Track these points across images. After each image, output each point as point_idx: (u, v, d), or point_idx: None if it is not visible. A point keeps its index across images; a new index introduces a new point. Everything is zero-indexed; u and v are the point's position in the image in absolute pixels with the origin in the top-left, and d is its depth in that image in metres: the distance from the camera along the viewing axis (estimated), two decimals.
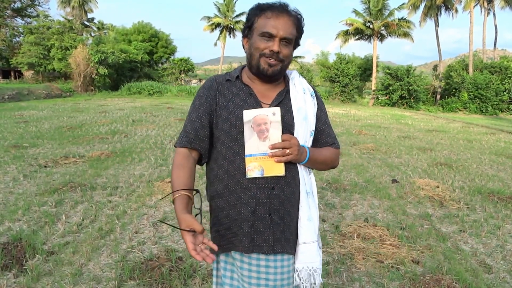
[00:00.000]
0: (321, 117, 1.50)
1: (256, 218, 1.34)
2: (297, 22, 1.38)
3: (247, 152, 1.32)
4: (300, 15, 1.40)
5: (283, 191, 1.35)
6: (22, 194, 4.62)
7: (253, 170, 1.31)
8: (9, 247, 3.13)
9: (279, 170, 1.31)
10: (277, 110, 1.30)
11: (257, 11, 1.37)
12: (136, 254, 3.16)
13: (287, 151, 1.29)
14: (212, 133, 1.42)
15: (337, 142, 1.53)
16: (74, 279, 2.73)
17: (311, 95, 1.47)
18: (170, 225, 1.32)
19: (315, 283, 1.36)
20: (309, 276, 1.35)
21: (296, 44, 1.43)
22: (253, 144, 1.31)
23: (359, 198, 4.92)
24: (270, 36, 1.33)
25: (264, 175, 1.31)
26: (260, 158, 1.31)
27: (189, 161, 1.38)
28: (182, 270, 2.87)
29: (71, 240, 3.38)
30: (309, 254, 1.35)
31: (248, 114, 1.32)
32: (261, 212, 1.34)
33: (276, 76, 1.40)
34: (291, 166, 1.35)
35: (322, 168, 1.49)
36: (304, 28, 1.42)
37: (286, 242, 1.35)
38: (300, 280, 1.35)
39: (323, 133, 1.50)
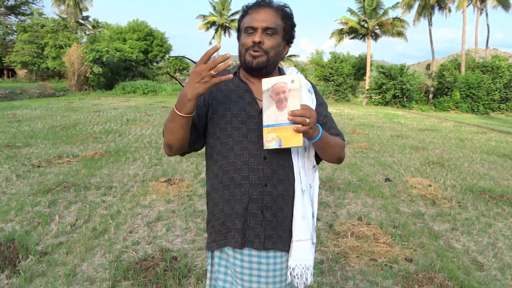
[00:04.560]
0: (321, 111, 1.48)
1: (248, 214, 1.35)
2: (282, 13, 1.37)
3: (265, 122, 1.27)
4: (286, 6, 1.39)
5: (276, 188, 1.36)
6: (15, 194, 4.59)
7: (270, 141, 1.26)
8: (2, 248, 3.11)
9: (297, 141, 1.24)
10: (296, 77, 1.24)
11: (242, 13, 1.41)
12: (131, 254, 3.16)
13: (307, 120, 1.22)
14: (202, 124, 1.41)
15: (342, 134, 1.50)
16: (68, 280, 2.72)
17: (309, 90, 1.46)
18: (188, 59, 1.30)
19: (307, 281, 1.36)
20: (302, 274, 1.35)
21: (287, 36, 1.41)
22: (271, 114, 1.26)
23: (352, 197, 4.95)
24: (252, 30, 1.35)
25: (282, 146, 1.26)
26: (278, 129, 1.25)
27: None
28: (177, 270, 2.88)
29: (65, 241, 3.37)
30: (302, 252, 1.36)
31: (267, 83, 1.27)
32: (254, 208, 1.35)
33: (264, 69, 1.37)
34: (284, 163, 1.36)
35: (331, 154, 1.40)
36: (295, 21, 1.42)
37: (279, 239, 1.37)
38: (293, 277, 1.35)
39: (325, 126, 1.46)
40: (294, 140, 1.24)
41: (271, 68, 1.40)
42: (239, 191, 1.36)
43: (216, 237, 1.41)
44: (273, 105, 1.25)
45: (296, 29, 1.45)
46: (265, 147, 1.28)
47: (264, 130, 1.28)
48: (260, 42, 1.33)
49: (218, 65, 1.17)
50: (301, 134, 1.24)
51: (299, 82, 1.23)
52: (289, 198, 1.38)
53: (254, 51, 1.34)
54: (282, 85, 1.24)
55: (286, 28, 1.39)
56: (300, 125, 1.22)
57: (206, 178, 1.51)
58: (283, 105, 1.24)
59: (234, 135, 1.36)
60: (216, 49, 1.17)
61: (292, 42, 1.46)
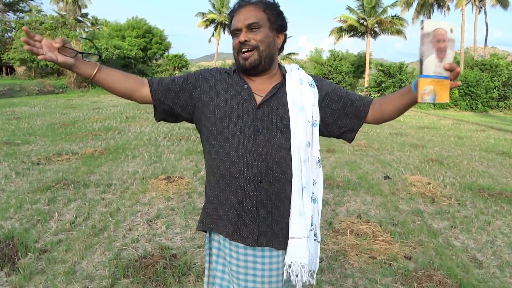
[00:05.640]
0: (341, 93, 1.48)
1: (243, 209, 1.35)
2: (263, 5, 1.38)
3: (424, 72, 1.14)
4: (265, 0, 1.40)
5: (271, 185, 1.35)
6: (14, 192, 4.59)
7: (428, 94, 1.14)
8: (1, 245, 3.11)
9: (447, 97, 1.15)
10: (455, 26, 1.14)
11: (229, 19, 1.44)
12: (130, 251, 3.16)
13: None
14: (181, 101, 1.45)
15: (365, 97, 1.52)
16: (67, 278, 2.72)
17: (310, 84, 1.44)
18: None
19: (302, 279, 1.35)
20: (298, 271, 1.34)
21: (274, 25, 1.39)
22: (431, 63, 1.13)
23: (352, 195, 4.96)
24: (238, 31, 1.37)
25: (436, 101, 1.17)
26: (436, 81, 1.14)
27: (135, 80, 1.43)
28: (177, 267, 2.88)
29: (64, 238, 3.37)
30: (298, 249, 1.34)
31: (429, 25, 1.13)
32: (248, 204, 1.35)
33: (258, 67, 1.37)
34: (281, 160, 1.35)
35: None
36: (280, 9, 1.42)
37: (274, 237, 1.36)
38: (289, 275, 1.34)
39: (357, 100, 1.47)
40: (444, 96, 1.15)
41: (267, 62, 1.39)
42: (234, 184, 1.36)
43: (205, 219, 1.44)
44: (433, 54, 1.13)
45: (285, 16, 1.44)
46: (421, 101, 1.16)
47: (422, 80, 1.15)
48: (246, 40, 1.34)
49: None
50: (448, 91, 1.16)
51: (455, 33, 1.15)
52: (286, 196, 1.36)
53: (244, 51, 1.35)
54: (443, 32, 1.13)
55: (271, 18, 1.38)
56: (454, 81, 1.16)
57: (204, 158, 1.51)
58: (443, 55, 1.13)
59: (231, 127, 1.36)
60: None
61: (285, 30, 1.44)
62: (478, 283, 2.88)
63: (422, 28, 1.14)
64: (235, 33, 1.38)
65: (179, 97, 1.44)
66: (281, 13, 1.42)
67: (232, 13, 1.40)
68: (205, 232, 1.50)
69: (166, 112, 1.48)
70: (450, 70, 1.14)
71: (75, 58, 1.29)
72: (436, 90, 1.14)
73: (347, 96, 1.48)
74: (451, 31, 1.13)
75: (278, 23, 1.40)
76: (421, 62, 1.15)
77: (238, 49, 1.37)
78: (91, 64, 1.34)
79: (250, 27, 1.34)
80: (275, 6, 1.40)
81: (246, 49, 1.35)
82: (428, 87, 1.14)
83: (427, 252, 3.36)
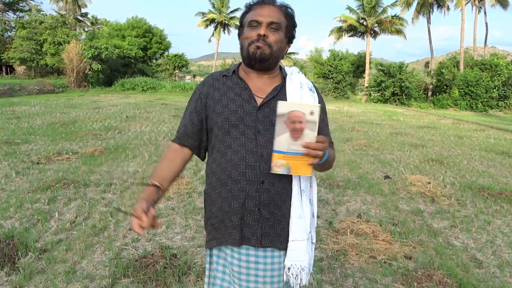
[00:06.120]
0: (320, 114, 1.48)
1: (245, 211, 1.35)
2: (285, 11, 1.41)
3: (276, 147, 1.24)
4: (288, 6, 1.43)
5: (273, 185, 1.35)
6: (14, 191, 4.58)
7: (279, 167, 1.26)
8: (1, 245, 3.11)
9: (307, 171, 1.26)
10: (316, 109, 1.20)
11: (246, 9, 1.44)
12: (130, 251, 3.16)
13: (320, 153, 1.23)
14: (205, 128, 1.46)
15: (333, 142, 1.51)
16: (67, 277, 2.72)
17: (310, 89, 1.45)
18: (124, 212, 1.36)
19: (301, 282, 1.35)
20: (298, 274, 1.34)
21: (289, 34, 1.43)
22: (283, 141, 1.23)
23: (352, 194, 4.96)
24: (257, 24, 1.37)
25: (291, 174, 1.28)
26: (289, 157, 1.24)
27: (177, 155, 1.49)
28: (177, 267, 2.88)
29: (64, 238, 3.37)
30: (298, 252, 1.35)
31: (283, 107, 1.20)
32: (250, 205, 1.35)
33: (266, 62, 1.38)
34: None
35: (325, 168, 1.44)
36: (296, 22, 1.45)
37: (277, 237, 1.36)
38: (289, 277, 1.35)
39: (321, 131, 1.44)
40: (304, 170, 1.26)
41: (273, 62, 1.41)
42: (236, 188, 1.35)
43: (215, 235, 1.41)
44: (287, 133, 1.22)
45: (296, 30, 1.47)
46: (272, 171, 1.27)
47: (274, 155, 1.25)
48: (265, 35, 1.35)
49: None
50: (309, 165, 1.26)
51: (318, 115, 1.20)
52: (287, 196, 1.37)
53: (258, 43, 1.36)
54: (299, 115, 1.20)
55: (289, 26, 1.42)
56: (313, 159, 1.24)
57: (205, 178, 1.52)
58: (298, 135, 1.22)
59: (232, 132, 1.36)
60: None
61: (292, 42, 1.48)
62: (478, 282, 2.89)
63: (277, 109, 1.21)
64: (252, 24, 1.38)
65: (206, 129, 1.47)
66: (296, 26, 1.46)
67: (253, 5, 1.41)
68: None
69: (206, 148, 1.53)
70: (306, 148, 1.22)
71: (152, 203, 1.33)
72: (290, 164, 1.25)
73: (322, 121, 1.45)
74: (311, 113, 1.20)
75: (291, 33, 1.45)
76: (275, 138, 1.24)
77: (252, 40, 1.37)
78: (154, 189, 1.39)
79: (272, 26, 1.36)
80: (293, 18, 1.45)
81: (262, 42, 1.36)
82: (280, 161, 1.25)
83: (427, 251, 3.37)
